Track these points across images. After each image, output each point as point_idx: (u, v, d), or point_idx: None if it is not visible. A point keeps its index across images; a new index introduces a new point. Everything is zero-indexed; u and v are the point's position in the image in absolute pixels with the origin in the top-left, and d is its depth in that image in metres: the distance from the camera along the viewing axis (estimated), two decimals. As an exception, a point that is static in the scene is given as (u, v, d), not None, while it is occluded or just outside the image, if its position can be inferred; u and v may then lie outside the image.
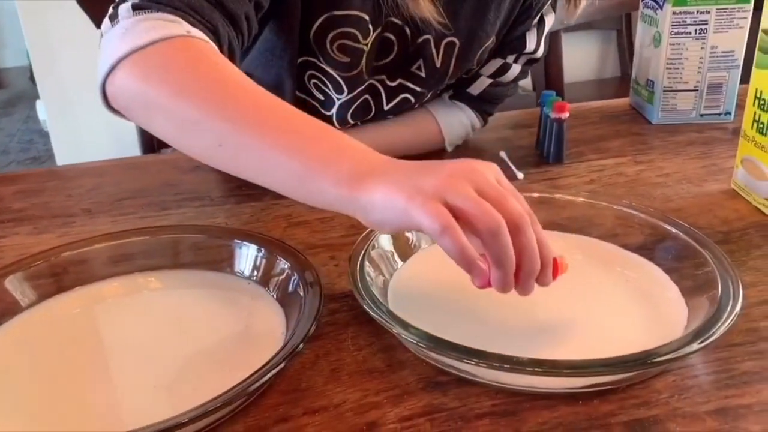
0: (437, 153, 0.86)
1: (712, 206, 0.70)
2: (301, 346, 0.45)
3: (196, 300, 0.57)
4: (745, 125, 0.71)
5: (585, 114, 0.99)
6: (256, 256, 0.58)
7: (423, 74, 0.78)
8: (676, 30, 0.89)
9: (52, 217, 0.73)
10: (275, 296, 0.55)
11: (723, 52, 0.90)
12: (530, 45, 0.82)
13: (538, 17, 0.81)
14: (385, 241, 0.59)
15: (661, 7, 0.90)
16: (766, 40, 0.67)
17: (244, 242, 0.59)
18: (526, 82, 1.99)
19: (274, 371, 0.43)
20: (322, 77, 0.77)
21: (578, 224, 0.63)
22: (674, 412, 0.44)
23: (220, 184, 0.79)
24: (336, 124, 0.80)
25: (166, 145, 1.12)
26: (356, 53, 0.74)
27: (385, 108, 0.81)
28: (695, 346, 0.44)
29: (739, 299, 0.48)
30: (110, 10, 0.58)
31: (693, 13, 0.88)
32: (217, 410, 0.41)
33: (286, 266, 0.55)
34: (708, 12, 0.88)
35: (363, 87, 0.78)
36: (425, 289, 0.57)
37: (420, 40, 0.76)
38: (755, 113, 0.69)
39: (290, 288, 0.53)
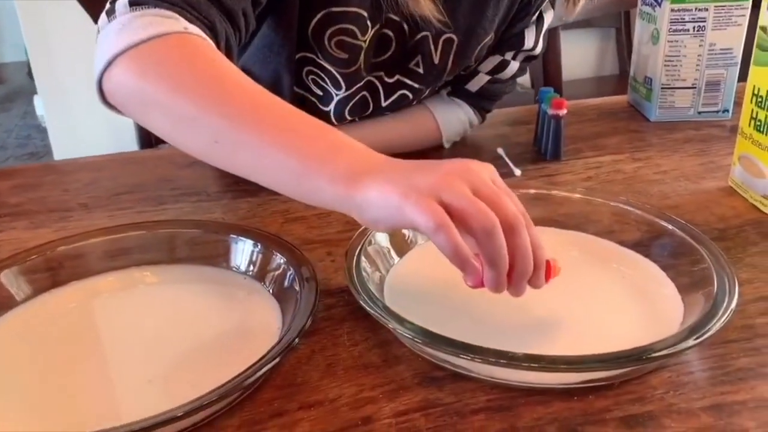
0: (435, 150, 0.86)
1: (709, 203, 0.70)
2: (296, 340, 0.45)
3: (192, 295, 0.57)
4: (742, 122, 0.71)
5: (583, 111, 0.99)
6: (252, 251, 0.58)
7: (421, 71, 0.78)
8: (674, 27, 0.89)
9: (48, 212, 0.73)
10: (271, 291, 0.55)
11: (721, 49, 0.90)
12: (529, 42, 0.82)
13: (536, 14, 0.81)
14: (381, 237, 0.59)
15: (660, 5, 0.90)
16: (765, 37, 0.67)
17: (241, 237, 0.59)
18: (525, 80, 1.99)
19: (269, 365, 0.43)
20: (321, 73, 0.76)
21: (575, 221, 0.63)
22: (669, 408, 0.44)
23: (217, 180, 0.79)
24: (333, 121, 0.80)
25: (164, 141, 1.12)
26: (354, 50, 0.73)
27: (383, 105, 0.81)
28: (690, 342, 0.44)
29: (734, 296, 0.48)
30: (107, 6, 0.57)
31: (691, 10, 0.88)
32: (213, 404, 0.41)
33: (282, 261, 0.55)
34: (706, 9, 0.88)
35: (361, 84, 0.78)
36: (421, 285, 0.57)
37: (418, 36, 0.75)
38: (753, 110, 0.69)
39: (286, 283, 0.53)
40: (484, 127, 0.91)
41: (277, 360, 0.43)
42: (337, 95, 0.78)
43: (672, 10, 0.88)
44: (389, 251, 0.59)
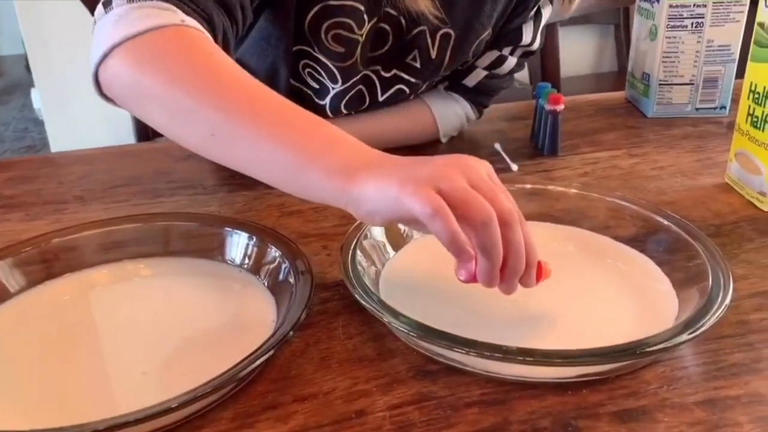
0: (431, 144, 0.86)
1: (706, 199, 0.70)
2: (291, 333, 0.45)
3: (186, 287, 0.56)
4: (739, 119, 0.71)
5: (580, 107, 0.99)
6: (248, 245, 0.57)
7: (418, 65, 0.78)
8: (672, 23, 0.89)
9: (43, 204, 0.73)
10: (266, 284, 0.55)
11: (719, 45, 0.90)
12: (526, 37, 0.82)
13: (534, 9, 0.81)
14: (377, 232, 0.59)
15: (658, 1, 0.90)
16: (762, 33, 0.67)
17: (236, 230, 0.58)
18: (523, 75, 1.99)
19: (263, 358, 0.43)
20: (317, 66, 0.76)
21: (571, 216, 0.63)
22: (662, 402, 0.44)
23: (213, 173, 0.79)
24: (329, 114, 0.80)
25: (161, 134, 1.12)
26: (351, 43, 0.73)
27: (380, 99, 0.81)
28: (685, 337, 0.44)
29: (729, 291, 0.48)
30: None
31: (689, 6, 0.88)
32: (207, 396, 0.41)
33: (277, 254, 0.55)
34: (704, 5, 0.88)
35: (357, 77, 0.77)
36: (417, 279, 0.57)
37: (415, 31, 0.75)
38: (750, 107, 0.69)
39: (281, 276, 0.53)
40: (481, 122, 0.90)
41: (272, 353, 0.43)
42: (333, 89, 0.78)
43: (670, 6, 0.88)
44: (385, 245, 0.59)
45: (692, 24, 0.89)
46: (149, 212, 0.68)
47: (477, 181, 0.45)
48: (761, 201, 0.68)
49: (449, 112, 0.86)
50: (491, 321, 0.51)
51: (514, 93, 0.94)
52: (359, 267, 0.53)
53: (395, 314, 0.47)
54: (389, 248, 0.59)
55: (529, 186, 0.65)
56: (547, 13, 0.83)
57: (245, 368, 0.42)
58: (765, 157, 0.67)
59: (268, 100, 0.51)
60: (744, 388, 0.45)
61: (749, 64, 0.70)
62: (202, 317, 0.52)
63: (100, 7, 0.57)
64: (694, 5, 0.88)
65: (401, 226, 0.61)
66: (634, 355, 0.44)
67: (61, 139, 2.13)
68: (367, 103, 0.81)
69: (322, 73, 0.77)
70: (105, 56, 0.54)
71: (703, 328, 0.45)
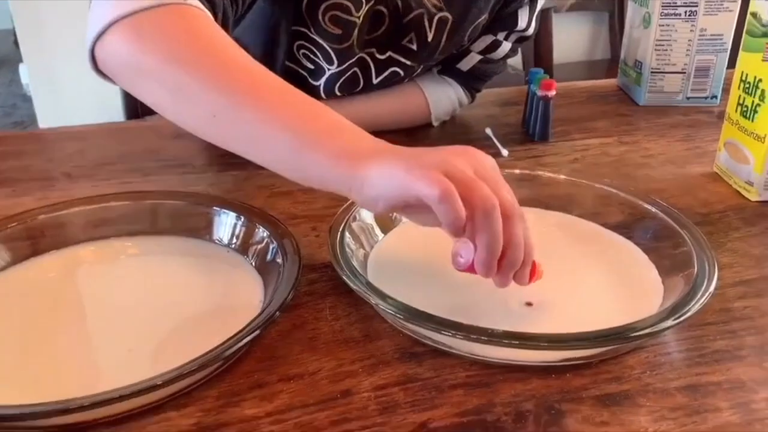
0: (423, 128, 0.86)
1: (694, 188, 0.71)
2: (277, 314, 0.45)
3: (173, 266, 0.56)
4: (729, 108, 0.72)
5: (572, 93, 0.99)
6: (235, 224, 0.57)
7: (414, 48, 0.78)
8: (665, 11, 0.89)
9: (31, 180, 0.72)
10: (254, 264, 0.54)
11: (712, 35, 0.90)
12: (522, 22, 0.82)
13: (530, -6, 0.81)
14: (366, 214, 0.59)
15: (653, -12, 0.90)
16: (755, 23, 0.67)
17: (224, 210, 0.58)
18: (516, 61, 1.98)
19: (249, 337, 0.43)
20: (313, 48, 0.76)
21: (559, 202, 0.63)
22: (645, 387, 0.44)
23: (203, 152, 0.79)
24: (322, 96, 0.80)
25: (151, 112, 1.11)
26: (348, 26, 0.73)
27: (374, 82, 0.80)
28: (669, 323, 0.45)
29: (714, 279, 0.49)
30: None
31: (684, -6, 0.88)
32: (193, 374, 0.41)
33: (265, 234, 0.55)
34: (698, -6, 0.88)
35: (353, 60, 0.77)
36: (404, 262, 0.57)
37: (412, 14, 0.75)
38: (740, 96, 0.70)
39: (269, 256, 0.53)
40: (473, 106, 0.90)
41: (258, 332, 0.43)
42: (328, 70, 0.77)
43: (664, -6, 0.88)
44: (373, 228, 0.59)
45: (686, 12, 0.89)
46: (138, 190, 0.68)
47: (482, 171, 0.45)
48: (748, 191, 0.68)
49: (442, 96, 0.85)
50: (477, 304, 0.52)
51: (507, 78, 0.94)
52: (347, 249, 0.53)
53: (382, 296, 0.47)
54: (378, 231, 0.59)
55: (518, 171, 0.65)
56: (542, -1, 0.83)
57: (231, 347, 0.42)
58: (753, 146, 0.68)
59: (271, 84, 0.51)
60: (726, 375, 0.45)
61: (741, 54, 0.70)
62: (189, 296, 0.52)
63: None
64: (688, -7, 0.88)
65: (390, 209, 0.61)
66: (618, 340, 0.44)
67: (50, 115, 2.11)
68: (360, 85, 0.80)
69: (318, 54, 0.76)
70: (103, 32, 0.53)
71: (687, 315, 0.45)
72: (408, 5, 0.74)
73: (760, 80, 0.67)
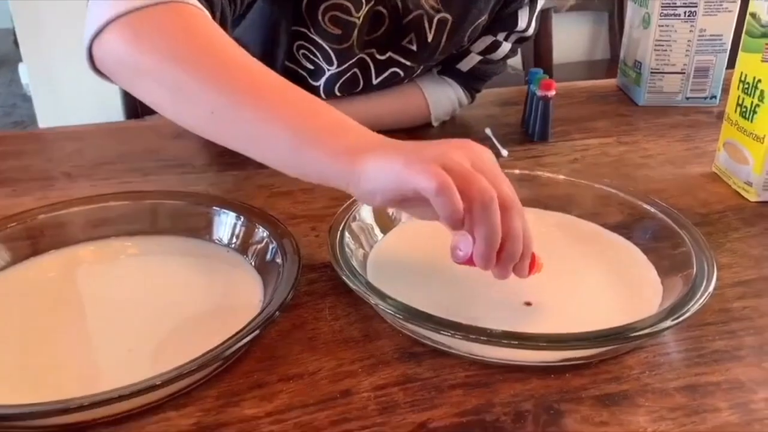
0: (423, 128, 0.86)
1: (693, 188, 0.71)
2: (277, 314, 0.45)
3: (173, 266, 0.56)
4: (728, 108, 0.72)
5: (572, 93, 0.99)
6: (235, 224, 0.57)
7: (414, 48, 0.78)
8: (665, 11, 0.89)
9: (30, 180, 0.72)
10: (253, 264, 0.54)
11: (711, 35, 0.90)
12: (522, 23, 0.82)
13: (530, -5, 0.81)
14: (366, 214, 0.59)
15: (652, -12, 0.90)
16: (754, 23, 0.67)
17: (224, 210, 0.58)
18: (516, 61, 1.98)
19: (249, 337, 0.43)
20: (313, 48, 0.76)
21: (559, 202, 0.63)
22: (644, 387, 0.44)
23: (202, 152, 0.79)
24: (322, 96, 0.80)
25: (150, 112, 1.11)
26: (348, 26, 0.73)
27: (374, 82, 0.80)
28: (668, 323, 0.45)
29: (713, 279, 0.49)
30: None
31: (683, -5, 0.88)
32: (192, 373, 0.41)
33: (265, 234, 0.55)
34: (698, -6, 0.88)
35: (353, 60, 0.77)
36: (404, 262, 0.57)
37: (412, 15, 0.75)
38: (739, 97, 0.70)
39: (269, 256, 0.53)
40: (473, 106, 0.90)
41: (258, 332, 0.43)
42: (328, 70, 0.77)
43: (664, -6, 0.88)
44: (373, 228, 0.59)
45: (685, 13, 0.89)
46: (137, 190, 0.68)
47: (480, 164, 0.45)
48: (748, 191, 0.68)
49: (442, 96, 0.85)
50: (477, 304, 0.52)
51: (507, 78, 0.94)
52: (347, 249, 0.53)
53: (382, 296, 0.47)
54: (377, 231, 0.59)
55: (518, 171, 0.65)
56: (542, 0, 0.82)
57: (231, 347, 0.42)
58: (753, 147, 0.68)
59: (271, 82, 0.51)
60: (725, 375, 0.45)
61: (740, 54, 0.70)
62: (188, 296, 0.52)
63: None
64: (687, -6, 0.88)
65: (389, 210, 0.61)
66: (617, 340, 0.44)
67: (50, 115, 2.11)
68: (360, 86, 0.80)
69: (318, 54, 0.76)
70: (100, 30, 0.53)
71: (686, 315, 0.45)
72: (407, 6, 0.74)
73: (760, 81, 0.67)
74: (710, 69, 0.92)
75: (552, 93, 0.81)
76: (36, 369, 0.45)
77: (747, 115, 0.68)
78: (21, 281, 0.54)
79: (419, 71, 0.82)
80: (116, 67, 0.54)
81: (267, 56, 0.76)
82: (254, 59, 0.52)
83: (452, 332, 0.44)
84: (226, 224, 0.58)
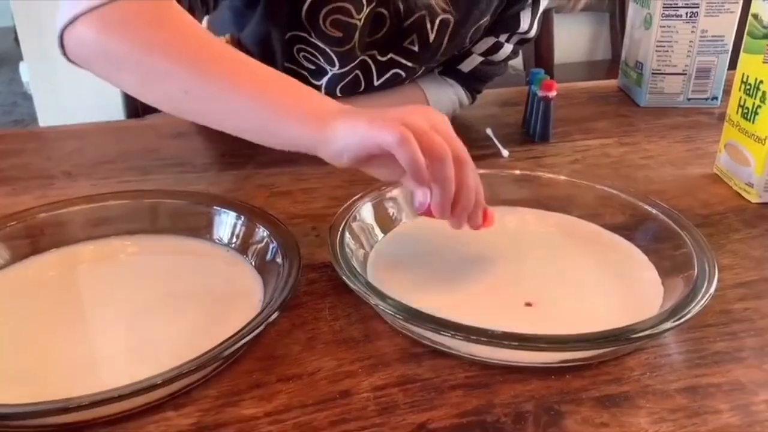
0: (423, 128, 0.86)
1: (694, 189, 0.71)
2: (276, 313, 0.45)
3: (173, 266, 0.56)
4: (730, 110, 0.71)
5: (573, 94, 0.98)
6: (235, 224, 0.57)
7: (416, 49, 0.78)
8: (667, 12, 0.89)
9: (30, 179, 0.72)
10: (253, 264, 0.54)
11: (713, 36, 0.90)
12: (524, 24, 0.82)
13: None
14: (366, 214, 0.59)
15: (654, -11, 0.90)
16: (756, 24, 0.67)
17: (224, 209, 0.58)
18: (517, 61, 1.97)
19: (249, 337, 0.43)
20: (314, 51, 0.76)
21: (560, 203, 0.63)
22: (645, 389, 0.44)
23: (202, 152, 0.79)
24: (323, 95, 0.80)
25: (151, 111, 1.11)
26: (349, 28, 0.73)
27: (376, 84, 0.80)
28: (669, 324, 0.44)
29: (714, 281, 0.49)
30: None
31: (685, -5, 0.88)
32: (191, 374, 0.41)
33: (265, 234, 0.55)
34: (700, -5, 0.88)
35: (355, 63, 0.77)
36: (404, 262, 0.57)
37: (414, 16, 0.75)
38: (741, 98, 0.69)
39: (269, 256, 0.53)
40: (473, 107, 0.90)
41: (257, 332, 0.43)
42: (330, 71, 0.77)
43: (666, -5, 0.88)
44: (373, 228, 0.59)
45: (687, 14, 0.89)
46: (137, 189, 0.68)
47: (436, 126, 0.49)
48: (749, 192, 0.68)
49: (443, 97, 0.85)
50: (477, 305, 0.52)
51: (507, 78, 0.94)
52: (347, 249, 0.53)
53: (382, 296, 0.47)
54: (378, 231, 0.59)
55: (519, 172, 0.65)
56: (544, 2, 0.82)
57: (231, 347, 0.42)
58: (754, 148, 0.68)
59: (237, 59, 0.54)
60: (726, 376, 0.45)
61: (742, 55, 0.70)
62: (188, 296, 0.52)
63: None
64: (689, -5, 0.88)
65: (390, 210, 0.61)
66: (618, 341, 0.44)
67: (50, 113, 2.11)
68: (362, 88, 0.80)
69: (319, 57, 0.76)
70: (71, 21, 0.55)
71: (687, 317, 0.45)
72: (409, 7, 0.74)
73: (761, 82, 0.67)
74: (712, 70, 0.92)
75: (553, 93, 0.81)
76: (35, 368, 0.45)
77: (748, 117, 0.68)
78: (21, 280, 0.53)
79: (420, 72, 0.82)
80: (89, 56, 0.57)
81: (267, 59, 0.76)
82: (222, 41, 0.57)
83: (452, 333, 0.44)
84: (226, 224, 0.58)
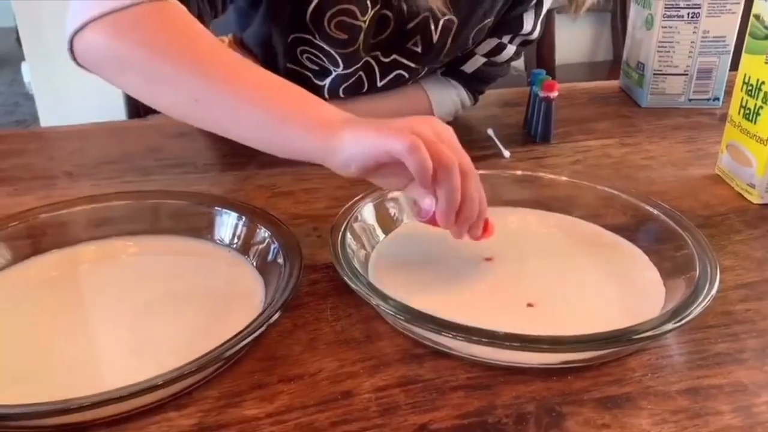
0: (425, 128, 0.86)
1: (696, 190, 0.71)
2: (278, 314, 0.45)
3: (174, 266, 0.56)
4: (732, 110, 0.71)
5: (574, 95, 0.98)
6: (237, 224, 0.57)
7: (419, 50, 0.78)
8: (668, 13, 0.89)
9: (32, 179, 0.72)
10: (255, 264, 0.54)
11: (714, 37, 0.90)
12: (527, 26, 0.82)
13: (536, -2, 0.80)
14: (368, 214, 0.59)
15: (655, -10, 0.90)
16: (758, 25, 0.67)
17: (225, 210, 0.58)
18: (518, 62, 1.98)
19: (250, 338, 0.43)
20: (318, 53, 0.76)
21: (561, 203, 0.63)
22: (646, 390, 0.44)
23: (204, 152, 0.79)
24: (326, 96, 0.80)
25: (152, 111, 1.11)
26: (354, 30, 0.73)
27: (379, 85, 0.80)
28: (670, 325, 0.44)
29: (716, 282, 0.49)
30: None
31: (686, -4, 0.88)
32: (193, 374, 0.41)
33: (266, 235, 0.55)
34: (701, -4, 0.88)
35: (358, 64, 0.77)
36: (406, 262, 0.57)
37: (418, 18, 0.75)
38: (743, 99, 0.69)
39: (270, 257, 0.53)
40: (475, 107, 0.90)
41: (258, 333, 0.43)
42: (334, 71, 0.78)
43: (667, -4, 0.88)
44: (375, 229, 0.59)
45: (688, 14, 0.89)
46: (139, 189, 0.68)
47: (441, 135, 0.50)
48: (750, 193, 0.68)
49: (445, 98, 0.85)
50: (478, 306, 0.52)
51: (509, 79, 0.94)
52: (349, 249, 0.53)
53: (383, 297, 0.47)
54: (379, 231, 0.59)
55: (520, 173, 0.65)
56: (548, 3, 0.82)
57: (232, 347, 0.42)
58: (756, 149, 0.68)
59: (246, 67, 0.55)
60: (727, 378, 0.45)
61: (744, 56, 0.70)
62: (189, 296, 0.52)
63: None
64: (691, -5, 0.88)
65: (391, 210, 0.61)
66: (620, 342, 0.44)
67: (52, 113, 2.11)
68: (365, 89, 0.80)
69: (323, 58, 0.76)
70: (82, 27, 0.55)
71: (688, 318, 0.45)
72: (413, 9, 0.74)
73: (763, 83, 0.66)
74: (713, 71, 0.92)
75: (554, 94, 0.81)
76: (36, 368, 0.45)
77: (750, 117, 0.68)
78: (22, 280, 0.53)
79: (423, 73, 0.82)
80: (98, 61, 0.57)
81: (268, 65, 0.76)
82: (229, 49, 0.57)
83: (454, 334, 0.44)
84: (227, 224, 0.58)
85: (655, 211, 0.59)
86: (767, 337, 0.49)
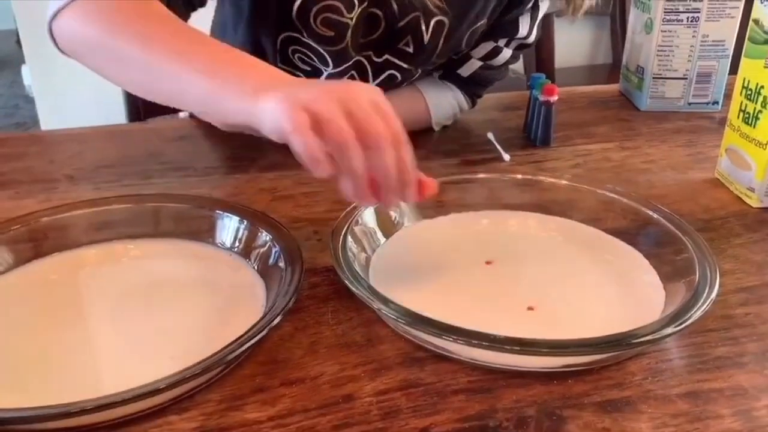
0: (424, 131, 0.86)
1: (695, 194, 0.71)
2: (279, 318, 0.45)
3: (176, 270, 0.56)
4: (731, 114, 0.72)
5: (574, 98, 0.99)
6: (238, 228, 0.57)
7: (410, 50, 0.78)
8: (668, 17, 0.89)
9: (33, 182, 0.72)
10: (256, 268, 0.54)
11: (714, 41, 0.90)
12: (523, 30, 0.82)
13: (532, 2, 0.81)
14: (368, 218, 0.59)
15: (655, -6, 0.90)
16: (757, 29, 0.67)
17: (227, 213, 0.58)
18: (517, 65, 1.99)
19: (252, 342, 0.43)
20: (307, 51, 0.76)
21: (561, 207, 0.63)
22: (647, 394, 0.44)
23: (205, 155, 0.79)
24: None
25: (152, 113, 1.11)
26: (340, 27, 0.73)
27: (371, 85, 0.80)
28: (670, 329, 0.45)
29: (715, 286, 0.49)
30: None
31: (686, 0, 0.88)
32: (194, 378, 0.41)
33: (267, 238, 0.55)
34: (701, 0, 0.88)
35: (349, 63, 0.77)
36: (407, 266, 0.57)
37: (409, 17, 0.75)
38: (742, 103, 0.70)
39: (271, 260, 0.53)
40: (474, 111, 0.90)
41: (260, 336, 0.43)
42: (326, 71, 0.78)
43: (666, 0, 0.88)
44: (375, 232, 0.59)
45: (688, 18, 0.89)
46: (140, 193, 0.68)
47: (353, 107, 0.46)
48: (750, 197, 0.68)
49: (443, 101, 0.86)
50: (479, 309, 0.52)
51: (508, 83, 0.94)
52: (350, 253, 0.53)
53: (384, 301, 0.47)
54: (380, 235, 0.59)
55: (520, 176, 0.66)
56: (544, 7, 0.82)
57: (233, 351, 0.42)
58: (755, 153, 0.68)
59: (194, 40, 0.56)
60: (728, 381, 0.45)
61: (743, 60, 0.70)
62: (190, 300, 0.52)
63: None
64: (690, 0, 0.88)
65: (392, 213, 0.61)
66: (620, 346, 0.44)
67: (52, 116, 2.11)
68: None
69: (313, 57, 0.76)
70: (55, 15, 0.60)
71: (688, 322, 0.45)
72: (404, 8, 0.74)
73: (762, 87, 0.67)
74: (713, 75, 0.92)
75: (554, 98, 0.81)
76: (38, 372, 0.45)
77: (749, 121, 0.69)
78: (24, 284, 0.54)
79: (417, 75, 0.82)
80: (74, 46, 0.61)
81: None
82: (185, 24, 0.58)
83: (455, 337, 0.44)
84: (228, 228, 0.58)
85: (655, 215, 0.59)
86: (767, 341, 0.49)
